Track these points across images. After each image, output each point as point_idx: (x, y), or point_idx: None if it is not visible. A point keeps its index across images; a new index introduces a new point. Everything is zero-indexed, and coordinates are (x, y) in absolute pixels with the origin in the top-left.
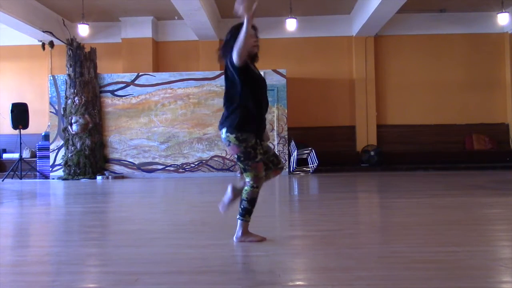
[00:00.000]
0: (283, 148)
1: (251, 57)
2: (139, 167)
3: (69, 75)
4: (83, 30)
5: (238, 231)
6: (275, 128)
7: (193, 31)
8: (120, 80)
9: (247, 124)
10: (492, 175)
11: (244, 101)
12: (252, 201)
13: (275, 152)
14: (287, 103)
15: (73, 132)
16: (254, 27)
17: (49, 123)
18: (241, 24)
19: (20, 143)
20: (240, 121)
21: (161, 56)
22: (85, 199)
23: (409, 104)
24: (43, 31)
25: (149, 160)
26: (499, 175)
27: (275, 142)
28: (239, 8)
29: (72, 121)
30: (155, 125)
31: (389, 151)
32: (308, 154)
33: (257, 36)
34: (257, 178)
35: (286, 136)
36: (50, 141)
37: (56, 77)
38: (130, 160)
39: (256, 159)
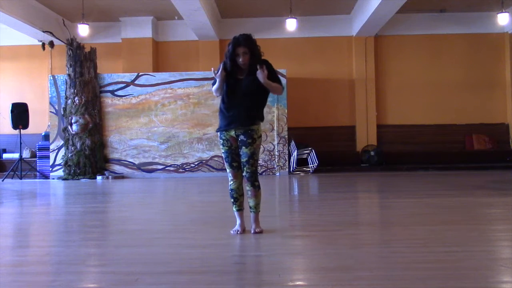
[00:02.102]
0: (283, 148)
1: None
2: (139, 167)
3: (69, 75)
4: (83, 30)
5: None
6: (275, 128)
7: (193, 31)
8: (120, 80)
9: (219, 122)
10: (492, 175)
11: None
12: (229, 192)
13: (248, 161)
14: (287, 103)
15: (73, 132)
16: (240, 44)
17: (49, 123)
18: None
19: (20, 143)
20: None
21: (161, 56)
22: (85, 199)
23: (409, 104)
24: (43, 31)
25: (149, 160)
26: (499, 175)
27: (275, 142)
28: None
29: (72, 121)
30: (155, 125)
31: (389, 151)
32: (308, 154)
33: (246, 52)
34: (227, 171)
35: (286, 136)
36: (50, 141)
37: (56, 77)
38: (130, 160)
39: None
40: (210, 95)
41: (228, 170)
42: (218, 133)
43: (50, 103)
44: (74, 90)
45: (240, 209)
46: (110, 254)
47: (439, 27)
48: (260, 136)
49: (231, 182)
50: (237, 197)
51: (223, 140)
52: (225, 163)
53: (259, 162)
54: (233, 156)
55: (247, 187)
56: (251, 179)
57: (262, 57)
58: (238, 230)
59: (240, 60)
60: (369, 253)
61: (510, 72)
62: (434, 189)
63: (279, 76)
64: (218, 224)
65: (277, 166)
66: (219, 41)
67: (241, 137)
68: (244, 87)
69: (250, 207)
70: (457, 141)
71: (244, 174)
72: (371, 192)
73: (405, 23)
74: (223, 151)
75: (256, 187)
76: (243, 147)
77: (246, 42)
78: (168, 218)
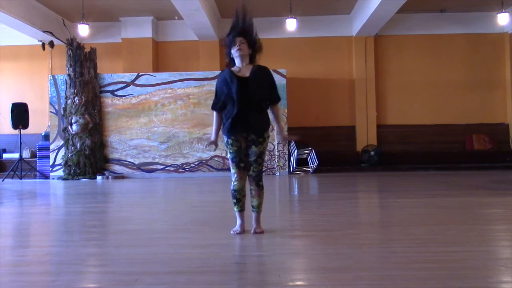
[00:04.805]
0: (283, 148)
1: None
2: (139, 167)
3: (69, 75)
4: (83, 30)
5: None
6: (275, 128)
7: (193, 31)
8: (120, 80)
9: (225, 128)
10: (492, 175)
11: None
12: (231, 192)
13: (256, 159)
14: (287, 103)
15: (73, 132)
16: (238, 33)
17: (49, 123)
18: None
19: (20, 143)
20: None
21: (161, 56)
22: (85, 199)
23: (409, 104)
24: (43, 31)
25: (149, 160)
26: (499, 175)
27: (275, 142)
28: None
29: (72, 121)
30: (155, 125)
31: (389, 151)
32: (308, 154)
33: (243, 41)
34: (232, 171)
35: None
36: (50, 141)
37: (56, 77)
38: (130, 160)
39: (228, 155)
40: (210, 95)
41: (233, 171)
42: (224, 135)
43: (50, 103)
44: (74, 90)
45: (241, 210)
46: (110, 254)
47: (439, 27)
48: (269, 136)
49: (235, 183)
50: (240, 198)
51: (233, 140)
52: (231, 163)
53: None
54: (241, 157)
55: (251, 187)
56: (256, 179)
57: (261, 56)
58: (238, 231)
59: (237, 48)
60: (369, 253)
61: (510, 72)
62: (434, 189)
63: (277, 83)
64: (218, 224)
65: (277, 166)
66: (219, 41)
67: (252, 135)
68: (251, 91)
69: (253, 207)
70: (457, 141)
71: (250, 173)
72: (371, 192)
73: (405, 23)
74: (231, 151)
75: (260, 187)
76: (253, 146)
77: (245, 32)
78: (168, 218)
